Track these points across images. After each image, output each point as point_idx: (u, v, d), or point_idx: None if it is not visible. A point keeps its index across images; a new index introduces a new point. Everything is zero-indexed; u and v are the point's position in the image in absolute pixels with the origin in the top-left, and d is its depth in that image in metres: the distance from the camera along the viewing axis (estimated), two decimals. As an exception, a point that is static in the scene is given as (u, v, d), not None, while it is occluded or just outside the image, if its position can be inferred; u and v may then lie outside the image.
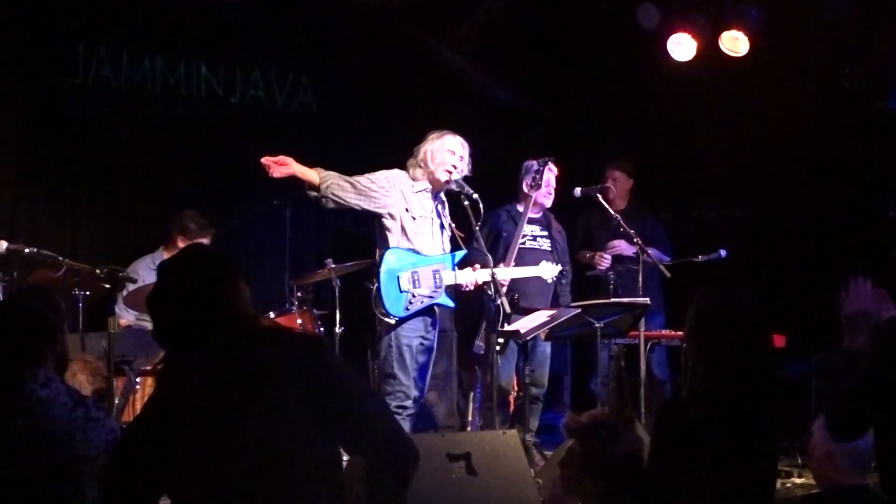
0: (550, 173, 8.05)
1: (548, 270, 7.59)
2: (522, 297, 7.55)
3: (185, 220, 7.98)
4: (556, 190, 8.11)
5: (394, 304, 6.85)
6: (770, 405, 3.97)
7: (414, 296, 6.91)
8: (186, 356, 3.28)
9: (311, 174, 7.01)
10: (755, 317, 4.01)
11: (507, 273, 7.37)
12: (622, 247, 8.63)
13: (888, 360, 3.74)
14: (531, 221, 8.01)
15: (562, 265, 7.95)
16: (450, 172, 7.13)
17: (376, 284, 6.85)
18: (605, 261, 8.69)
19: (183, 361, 3.29)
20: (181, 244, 7.75)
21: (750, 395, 3.90)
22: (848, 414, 3.81)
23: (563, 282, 8.15)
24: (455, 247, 7.29)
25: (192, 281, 3.34)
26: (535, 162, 8.00)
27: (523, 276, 7.51)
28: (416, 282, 6.93)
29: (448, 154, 7.16)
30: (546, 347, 7.95)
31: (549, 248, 8.06)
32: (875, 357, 3.78)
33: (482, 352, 7.51)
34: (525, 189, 8.00)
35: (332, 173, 7.03)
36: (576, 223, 8.98)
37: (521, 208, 7.98)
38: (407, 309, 6.91)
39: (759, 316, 4.02)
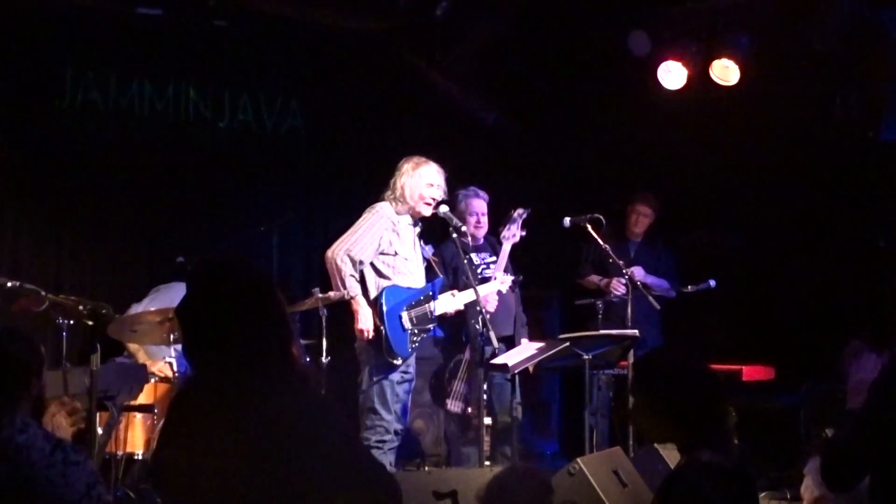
0: (480, 201, 7.97)
1: (505, 281, 7.50)
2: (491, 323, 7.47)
3: None
4: (522, 221, 7.75)
5: (400, 346, 6.86)
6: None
7: (416, 333, 6.90)
8: (204, 388, 3.16)
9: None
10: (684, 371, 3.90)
11: (467, 295, 7.29)
12: (639, 274, 8.56)
13: (882, 409, 3.74)
14: (478, 249, 7.94)
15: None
16: (430, 205, 7.08)
17: (384, 330, 6.80)
18: (620, 287, 8.57)
19: (199, 393, 3.18)
20: None
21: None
22: (843, 465, 3.80)
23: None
24: (431, 274, 7.28)
25: (233, 291, 3.19)
26: (461, 191, 7.92)
27: (485, 293, 7.40)
28: (414, 319, 6.94)
29: (426, 188, 7.10)
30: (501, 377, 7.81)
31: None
32: (869, 407, 3.79)
33: (460, 410, 7.51)
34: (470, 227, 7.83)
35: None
36: (579, 251, 8.93)
37: (464, 240, 7.59)
38: (412, 349, 6.92)
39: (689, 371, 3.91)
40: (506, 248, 7.69)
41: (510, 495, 4.99)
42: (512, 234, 7.68)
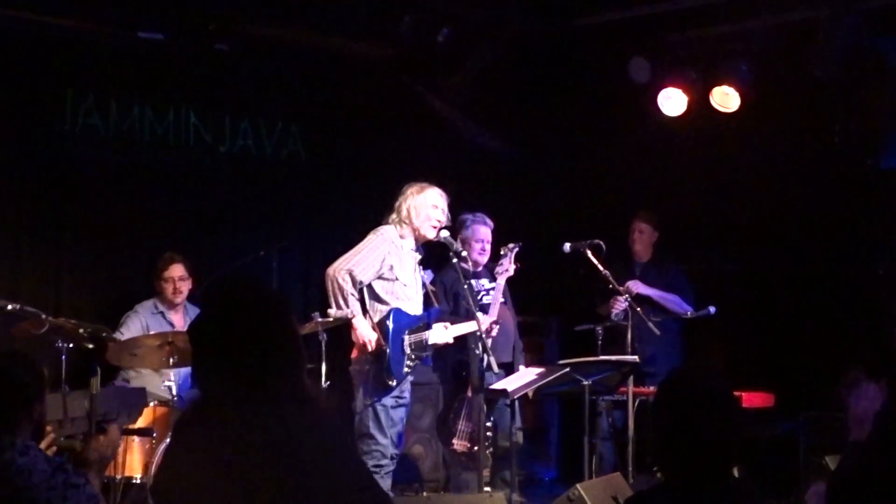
0: (486, 228, 7.99)
1: (483, 322, 7.50)
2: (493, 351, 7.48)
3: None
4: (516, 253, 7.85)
5: (398, 368, 6.87)
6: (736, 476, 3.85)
7: (412, 358, 6.91)
8: (211, 408, 3.11)
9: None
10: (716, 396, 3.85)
11: (460, 328, 7.31)
12: (637, 287, 8.54)
13: (888, 439, 3.72)
14: (478, 276, 7.97)
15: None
16: (436, 228, 7.10)
17: (387, 349, 6.79)
18: (618, 303, 8.52)
19: (205, 413, 3.15)
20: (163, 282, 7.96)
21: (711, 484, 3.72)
22: (850, 496, 3.78)
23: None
24: (427, 302, 7.29)
25: (246, 312, 3.14)
26: (468, 216, 7.96)
27: (465, 331, 7.42)
28: (413, 345, 6.94)
29: (432, 209, 7.13)
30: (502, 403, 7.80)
31: (503, 299, 7.99)
32: (875, 437, 3.77)
33: (466, 449, 7.52)
34: (460, 244, 7.82)
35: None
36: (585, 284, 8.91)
37: (464, 265, 7.69)
38: (406, 373, 6.92)
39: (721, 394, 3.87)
40: (500, 283, 7.71)
41: None
42: (504, 269, 7.71)
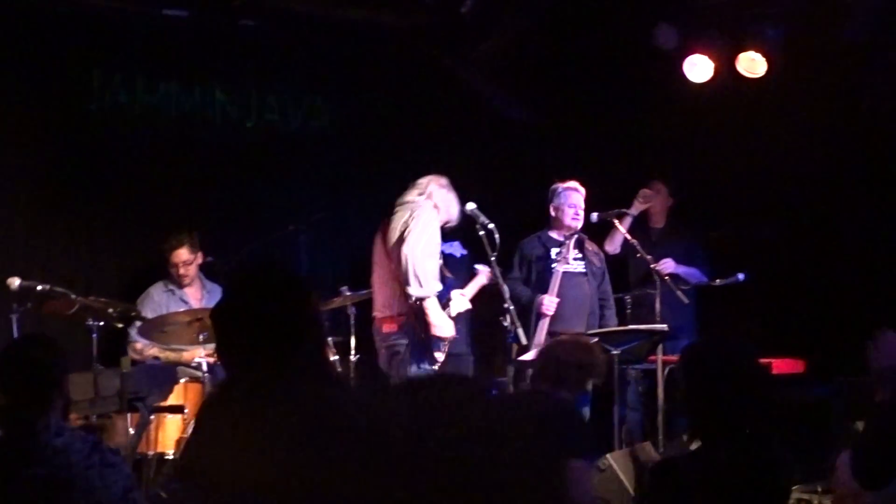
0: (578, 195, 8.04)
1: (457, 305, 7.57)
2: (559, 320, 7.56)
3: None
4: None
5: (438, 344, 7.30)
6: (775, 439, 3.85)
7: None
8: (235, 388, 3.16)
9: None
10: (742, 362, 3.86)
11: (465, 298, 7.54)
12: (670, 266, 8.55)
13: None
14: (562, 245, 7.99)
15: (599, 287, 8.00)
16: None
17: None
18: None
19: (230, 392, 3.19)
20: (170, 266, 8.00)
21: (743, 451, 3.74)
22: (874, 461, 3.76)
23: (607, 307, 8.13)
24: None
25: (268, 295, 3.20)
26: (559, 185, 8.02)
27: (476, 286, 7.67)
28: None
29: (454, 202, 7.40)
30: None
31: (584, 271, 8.01)
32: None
33: None
34: (552, 213, 8.00)
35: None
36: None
37: (552, 234, 7.99)
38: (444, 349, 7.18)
39: (747, 361, 3.88)
40: (558, 270, 7.79)
41: None
42: (564, 259, 7.84)
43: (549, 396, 5.22)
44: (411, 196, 7.42)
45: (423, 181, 7.44)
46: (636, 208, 8.68)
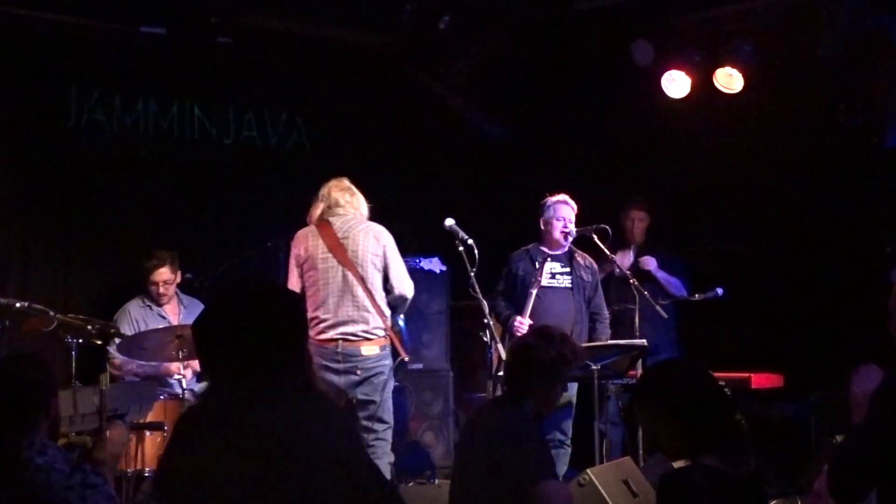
0: (567, 208, 8.04)
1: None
2: None
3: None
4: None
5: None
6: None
7: None
8: (215, 401, 3.17)
9: None
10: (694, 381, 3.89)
11: None
12: (652, 265, 8.65)
13: (885, 420, 3.71)
14: (551, 259, 7.98)
15: (592, 301, 8.00)
16: None
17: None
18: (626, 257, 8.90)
19: (210, 406, 3.19)
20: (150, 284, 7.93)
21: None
22: (849, 478, 3.78)
23: (599, 320, 8.12)
24: None
25: (252, 308, 3.22)
26: (549, 198, 8.03)
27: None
28: None
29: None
30: None
31: (570, 286, 7.99)
32: (872, 419, 3.76)
33: None
34: (542, 226, 8.01)
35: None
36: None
37: (543, 248, 8.01)
38: None
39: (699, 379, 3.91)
40: (532, 292, 7.81)
41: None
42: (537, 281, 7.82)
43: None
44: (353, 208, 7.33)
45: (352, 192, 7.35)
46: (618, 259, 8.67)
